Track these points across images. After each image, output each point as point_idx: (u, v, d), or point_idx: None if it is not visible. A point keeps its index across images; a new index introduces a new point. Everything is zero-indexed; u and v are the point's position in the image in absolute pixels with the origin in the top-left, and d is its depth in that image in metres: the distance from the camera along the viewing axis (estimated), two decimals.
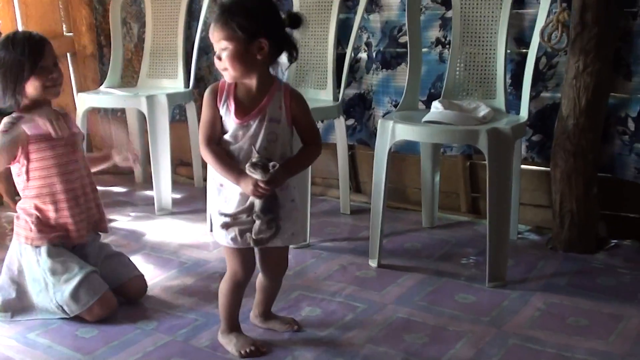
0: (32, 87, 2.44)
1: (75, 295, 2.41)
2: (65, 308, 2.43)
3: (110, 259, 2.63)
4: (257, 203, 2.04)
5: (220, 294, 2.23)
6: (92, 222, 2.61)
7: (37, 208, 2.49)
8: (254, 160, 2.00)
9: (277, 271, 2.28)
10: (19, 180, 2.51)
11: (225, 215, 2.08)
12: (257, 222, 2.05)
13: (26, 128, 2.43)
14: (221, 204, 2.10)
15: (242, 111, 2.06)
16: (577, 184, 2.84)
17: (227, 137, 2.07)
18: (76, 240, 2.53)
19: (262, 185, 1.99)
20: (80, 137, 2.62)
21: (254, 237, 2.06)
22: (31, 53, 2.41)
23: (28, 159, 2.46)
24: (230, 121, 2.06)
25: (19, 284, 2.50)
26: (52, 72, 2.45)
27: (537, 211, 3.20)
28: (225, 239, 2.11)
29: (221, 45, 2.00)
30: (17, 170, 2.49)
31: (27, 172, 2.47)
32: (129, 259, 2.70)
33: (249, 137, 2.05)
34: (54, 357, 2.24)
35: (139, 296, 2.63)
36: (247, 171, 2.00)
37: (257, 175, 1.98)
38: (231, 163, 2.05)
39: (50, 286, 2.44)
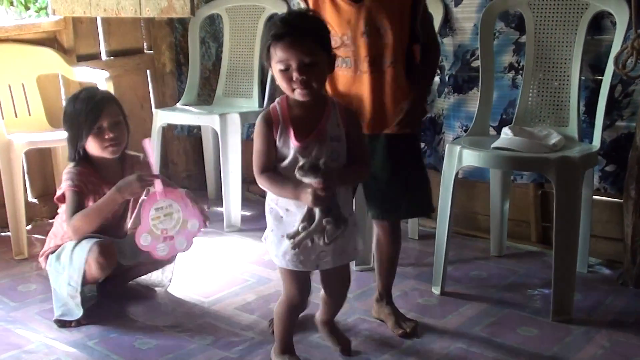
0: (90, 146, 2.56)
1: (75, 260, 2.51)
2: (71, 282, 2.52)
3: None
4: (318, 211, 1.96)
5: (276, 317, 2.24)
6: None
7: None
8: (300, 164, 1.93)
9: (340, 289, 2.27)
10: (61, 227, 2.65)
11: (292, 236, 2.02)
12: (328, 227, 1.96)
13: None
14: (287, 228, 2.05)
15: (302, 133, 2.01)
16: None
17: (285, 164, 2.02)
18: None
19: (318, 187, 1.91)
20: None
21: (326, 240, 1.98)
22: (89, 114, 2.52)
23: None
24: (289, 146, 2.01)
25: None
26: (110, 132, 2.54)
27: (609, 244, 3.08)
28: (290, 262, 2.08)
29: (306, 60, 1.93)
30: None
31: None
32: None
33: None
34: None
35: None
36: (298, 176, 1.93)
37: (309, 179, 1.92)
38: (286, 181, 2.00)
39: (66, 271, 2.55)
